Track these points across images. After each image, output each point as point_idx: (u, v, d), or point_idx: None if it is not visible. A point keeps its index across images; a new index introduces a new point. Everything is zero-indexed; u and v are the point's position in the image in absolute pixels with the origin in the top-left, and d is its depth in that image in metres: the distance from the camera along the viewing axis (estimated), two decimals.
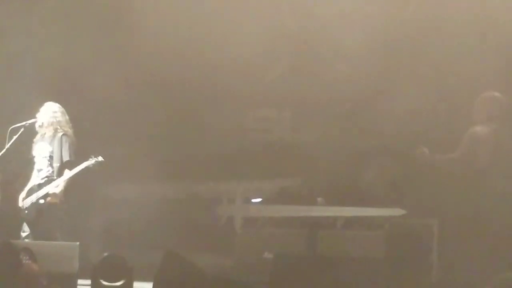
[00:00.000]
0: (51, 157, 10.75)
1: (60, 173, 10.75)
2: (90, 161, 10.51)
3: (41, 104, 11.11)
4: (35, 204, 10.54)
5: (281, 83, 13.82)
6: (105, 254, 8.76)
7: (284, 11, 13.37)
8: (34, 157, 10.92)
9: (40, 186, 10.71)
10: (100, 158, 10.50)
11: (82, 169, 10.55)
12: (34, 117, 10.95)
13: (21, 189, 10.97)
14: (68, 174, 10.53)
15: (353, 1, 12.81)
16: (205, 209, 13.21)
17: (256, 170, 13.27)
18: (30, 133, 11.05)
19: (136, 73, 13.32)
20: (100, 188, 13.68)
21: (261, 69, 13.73)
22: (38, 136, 10.96)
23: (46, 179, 10.69)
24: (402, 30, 12.58)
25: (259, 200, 12.99)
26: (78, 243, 9.98)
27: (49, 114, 10.86)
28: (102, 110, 13.18)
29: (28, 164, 11.01)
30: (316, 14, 13.17)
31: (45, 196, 10.55)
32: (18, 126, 10.87)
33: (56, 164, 10.74)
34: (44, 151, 10.81)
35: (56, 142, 10.73)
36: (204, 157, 13.67)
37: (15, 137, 10.80)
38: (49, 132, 10.80)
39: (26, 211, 10.62)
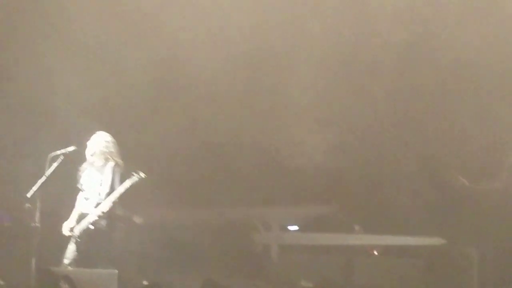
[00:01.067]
0: (101, 186, 10.66)
1: None
2: (134, 178, 10.45)
3: (88, 132, 11.07)
4: (86, 231, 10.49)
5: (315, 108, 13.69)
6: (145, 282, 8.62)
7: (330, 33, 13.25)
8: (81, 185, 10.87)
9: (89, 214, 10.61)
10: (142, 174, 10.42)
11: (127, 189, 10.41)
12: (74, 146, 10.78)
13: (65, 217, 10.93)
14: (114, 194, 10.43)
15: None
16: (241, 236, 13.24)
17: (292, 196, 13.24)
18: (77, 160, 11.00)
19: (173, 102, 13.45)
20: (138, 214, 13.78)
21: (295, 95, 13.58)
22: (86, 165, 10.90)
23: (96, 207, 10.60)
24: (452, 52, 12.41)
25: (295, 227, 12.99)
26: (116, 271, 9.91)
27: (102, 143, 10.80)
28: (141, 135, 13.34)
29: (72, 191, 10.94)
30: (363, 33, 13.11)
31: (95, 223, 10.52)
32: (58, 154, 10.72)
33: (106, 193, 10.62)
34: (95, 180, 10.75)
35: (107, 171, 10.66)
36: (239, 183, 13.69)
37: (55, 164, 10.64)
38: (99, 161, 10.75)
39: (78, 239, 10.54)
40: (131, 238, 13.05)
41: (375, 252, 12.09)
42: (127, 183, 10.45)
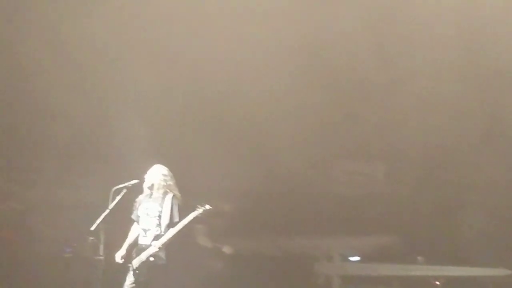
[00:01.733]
0: (159, 217, 10.65)
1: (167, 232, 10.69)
2: (198, 211, 10.43)
3: (145, 165, 11.07)
4: (145, 262, 10.44)
5: (372, 136, 13.76)
6: None
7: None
8: (139, 217, 10.86)
9: (148, 245, 10.56)
10: (207, 206, 10.42)
11: (190, 221, 10.39)
12: (137, 179, 10.77)
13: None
14: (178, 226, 10.41)
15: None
16: (302, 267, 13.16)
17: (353, 227, 13.18)
18: (132, 193, 10.95)
19: (235, 134, 13.56)
20: (197, 244, 13.89)
21: (352, 122, 13.71)
22: (143, 197, 10.89)
23: (155, 238, 10.59)
24: None
25: (357, 258, 12.88)
26: None
27: (159, 177, 10.83)
28: (199, 167, 13.45)
29: (128, 223, 10.97)
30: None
31: (155, 254, 10.47)
32: (121, 187, 10.72)
33: (164, 224, 10.61)
34: (153, 211, 10.74)
35: (166, 203, 10.66)
36: (299, 213, 13.72)
37: (118, 197, 10.63)
38: (157, 193, 10.77)
39: (136, 271, 10.50)
40: (190, 268, 13.01)
41: (438, 283, 11.86)
42: (191, 215, 10.46)
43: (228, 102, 13.35)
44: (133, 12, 13.29)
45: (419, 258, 12.12)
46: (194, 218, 10.47)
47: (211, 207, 10.40)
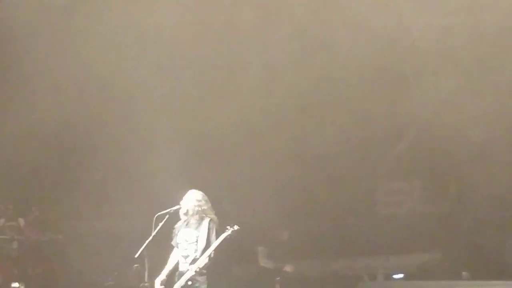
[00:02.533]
0: (197, 242, 10.69)
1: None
2: (228, 232, 10.44)
3: (182, 190, 11.07)
4: (184, 287, 10.46)
5: (408, 154, 13.81)
6: None
7: None
8: (178, 243, 10.90)
9: (188, 271, 10.55)
10: (235, 227, 10.42)
11: (222, 241, 10.43)
12: (177, 205, 10.80)
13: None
14: (210, 249, 10.45)
15: None
16: (347, 286, 12.94)
17: (393, 244, 13.19)
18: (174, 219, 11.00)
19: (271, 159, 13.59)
20: (236, 266, 14.22)
21: (387, 142, 13.76)
22: (180, 223, 10.95)
23: (192, 262, 10.59)
24: None
25: (400, 275, 12.80)
26: None
27: (194, 202, 10.85)
28: (231, 189, 13.58)
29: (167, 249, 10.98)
30: None
31: (192, 278, 10.49)
32: (164, 213, 10.71)
33: (202, 249, 10.61)
34: (191, 237, 10.80)
35: (202, 228, 10.73)
36: (340, 233, 13.80)
37: (160, 224, 10.59)
38: (193, 219, 10.81)
39: None
40: None
41: None
42: (222, 237, 10.53)
43: (266, 123, 13.48)
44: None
45: (463, 273, 11.98)
46: (225, 239, 10.50)
47: (239, 227, 10.44)
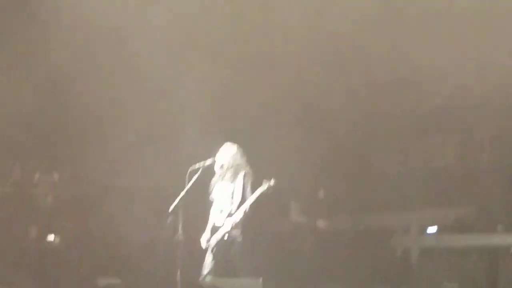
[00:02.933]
0: (232, 197, 10.81)
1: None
2: (264, 186, 10.51)
3: (218, 144, 11.16)
4: (220, 241, 10.66)
5: (444, 108, 13.68)
6: None
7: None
8: (213, 199, 11.06)
9: (223, 225, 10.77)
10: (272, 182, 10.50)
11: (258, 196, 10.54)
12: (211, 158, 10.95)
13: (202, 230, 11.15)
14: (246, 204, 10.58)
15: None
16: (379, 240, 13.13)
17: (428, 198, 13.05)
18: (206, 174, 11.12)
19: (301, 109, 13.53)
20: (271, 222, 14.20)
21: (423, 95, 13.57)
22: (216, 178, 11.02)
23: (228, 217, 10.76)
24: None
25: (434, 229, 12.69)
26: (261, 279, 9.89)
27: (229, 156, 10.94)
28: (269, 143, 13.53)
29: (206, 205, 11.13)
30: None
31: (228, 232, 10.66)
32: (197, 168, 10.82)
33: (237, 203, 10.75)
34: (226, 192, 10.86)
35: (238, 182, 10.80)
36: (374, 187, 13.73)
37: (194, 178, 10.78)
38: (229, 173, 10.88)
39: (214, 249, 10.72)
40: (267, 246, 13.48)
41: None
42: (258, 192, 10.55)
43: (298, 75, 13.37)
44: None
45: (498, 226, 11.91)
46: (262, 194, 10.55)
47: (274, 183, 10.45)
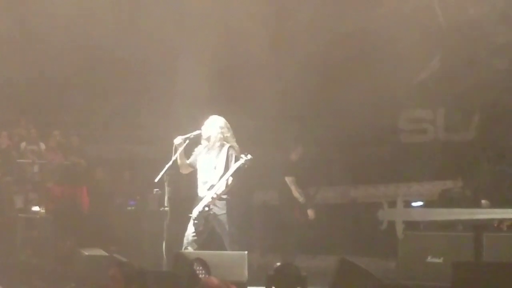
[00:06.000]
0: (216, 169, 10.70)
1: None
2: (241, 161, 10.41)
3: (204, 116, 10.96)
4: (202, 212, 10.54)
5: (433, 82, 13.75)
6: (278, 264, 8.47)
7: None
8: (197, 170, 10.84)
9: (205, 197, 10.66)
10: (248, 156, 10.39)
11: (236, 170, 10.46)
12: (198, 129, 10.81)
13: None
14: (224, 177, 10.49)
15: None
16: (365, 214, 13.12)
17: (415, 172, 13.17)
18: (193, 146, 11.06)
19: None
20: (257, 195, 14.36)
21: (412, 69, 13.65)
22: (200, 148, 10.84)
23: (210, 189, 10.66)
24: None
25: (420, 203, 12.68)
26: (246, 252, 9.81)
27: (216, 129, 10.73)
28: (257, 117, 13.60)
29: (191, 176, 11.00)
30: None
31: (210, 204, 10.56)
32: (184, 138, 10.65)
33: (219, 175, 10.63)
34: (211, 164, 10.72)
35: (222, 155, 10.69)
36: (361, 161, 13.81)
37: (180, 149, 10.58)
38: (215, 146, 10.76)
39: (195, 221, 10.58)
40: (251, 219, 13.46)
41: (503, 226, 11.62)
42: (235, 166, 10.48)
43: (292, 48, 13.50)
44: None
45: (483, 201, 11.94)
46: (239, 168, 10.45)
47: (252, 157, 10.38)
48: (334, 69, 13.70)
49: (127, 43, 14.11)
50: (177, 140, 10.75)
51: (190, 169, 10.92)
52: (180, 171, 10.86)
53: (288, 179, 13.03)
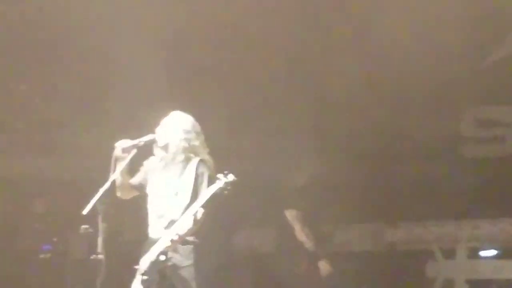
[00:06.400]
0: (177, 196, 8.07)
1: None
2: (219, 183, 7.79)
3: (162, 112, 8.54)
4: (155, 263, 7.88)
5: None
6: None
7: None
8: (147, 195, 8.30)
9: (161, 238, 7.98)
10: (230, 177, 7.80)
11: (209, 198, 7.83)
12: (150, 135, 8.19)
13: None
14: (191, 209, 7.86)
15: None
16: (408, 267, 11.32)
17: (485, 204, 10.98)
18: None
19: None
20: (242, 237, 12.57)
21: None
22: (153, 163, 8.32)
23: (168, 225, 7.94)
24: None
25: (493, 252, 11.08)
26: None
27: (179, 133, 8.18)
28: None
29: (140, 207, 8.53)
30: None
31: (168, 250, 7.87)
32: (129, 147, 8.03)
33: (184, 205, 7.93)
34: (169, 188, 8.18)
35: (188, 174, 8.12)
36: (402, 186, 11.60)
37: (124, 163, 7.98)
38: (176, 159, 8.18)
39: (144, 277, 7.88)
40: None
41: None
42: (210, 190, 7.86)
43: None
44: None
45: None
46: (215, 195, 7.83)
47: (235, 178, 7.82)
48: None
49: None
50: (118, 149, 8.07)
51: (134, 194, 8.42)
52: (118, 194, 8.34)
53: (290, 214, 10.85)
